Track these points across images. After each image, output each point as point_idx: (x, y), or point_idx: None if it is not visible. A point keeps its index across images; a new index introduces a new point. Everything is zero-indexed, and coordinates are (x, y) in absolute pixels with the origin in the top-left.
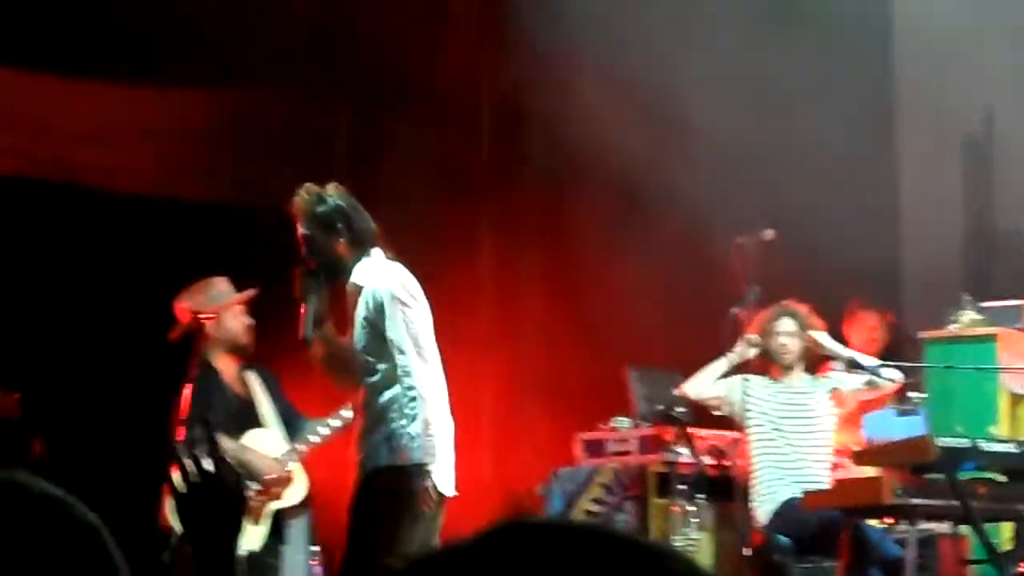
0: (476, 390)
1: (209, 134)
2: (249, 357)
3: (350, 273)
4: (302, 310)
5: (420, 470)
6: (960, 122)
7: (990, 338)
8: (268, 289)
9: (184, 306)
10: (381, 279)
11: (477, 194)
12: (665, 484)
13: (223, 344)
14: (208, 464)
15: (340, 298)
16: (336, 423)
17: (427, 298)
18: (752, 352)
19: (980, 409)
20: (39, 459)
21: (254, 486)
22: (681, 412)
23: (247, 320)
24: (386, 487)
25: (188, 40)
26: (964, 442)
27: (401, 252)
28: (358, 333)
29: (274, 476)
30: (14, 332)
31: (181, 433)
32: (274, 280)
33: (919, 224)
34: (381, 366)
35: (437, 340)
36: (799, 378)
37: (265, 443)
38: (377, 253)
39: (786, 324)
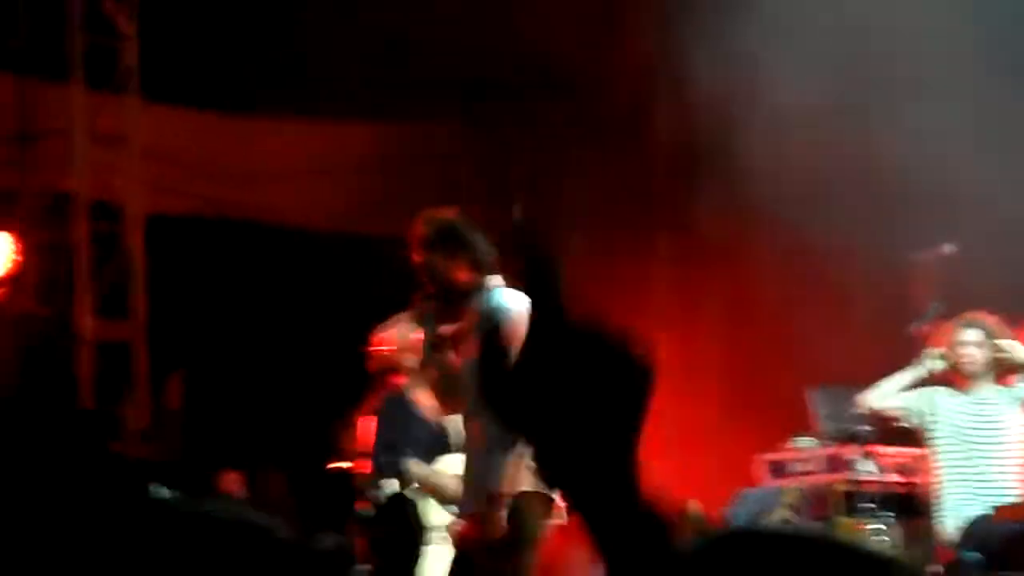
0: (657, 415)
1: (383, 168)
2: None
3: (470, 299)
4: (420, 335)
5: (544, 496)
6: None
7: None
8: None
9: (383, 338)
10: (507, 305)
11: (653, 223)
12: (851, 503)
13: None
14: (392, 492)
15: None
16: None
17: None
18: (937, 364)
19: None
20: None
21: (452, 509)
22: (864, 430)
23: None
24: (525, 511)
25: (357, 75)
26: None
27: (579, 279)
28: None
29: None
30: (201, 369)
31: (365, 467)
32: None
33: None
34: None
35: None
36: (987, 389)
37: (454, 466)
38: (498, 280)
39: (970, 334)
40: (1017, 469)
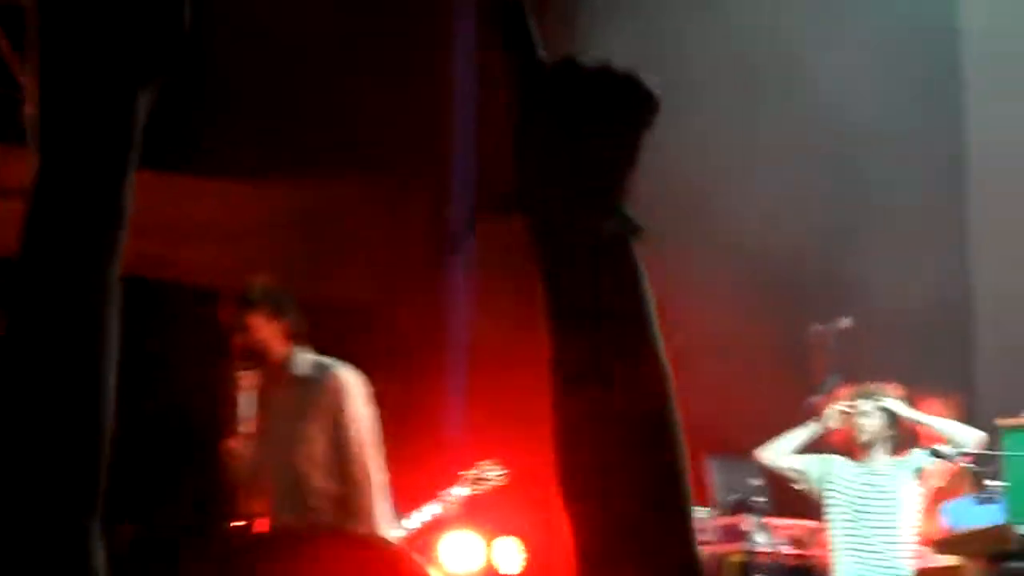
0: (548, 474)
1: (307, 226)
2: None
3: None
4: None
5: None
6: None
7: None
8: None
9: None
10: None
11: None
12: (744, 573)
13: None
14: None
15: None
16: (432, 512)
17: None
18: (832, 423)
19: None
20: None
21: None
22: (760, 501)
23: None
24: None
25: (281, 135)
26: None
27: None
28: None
29: None
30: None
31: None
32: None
33: (995, 309)
34: None
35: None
36: (881, 460)
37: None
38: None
39: (866, 404)
40: (910, 543)
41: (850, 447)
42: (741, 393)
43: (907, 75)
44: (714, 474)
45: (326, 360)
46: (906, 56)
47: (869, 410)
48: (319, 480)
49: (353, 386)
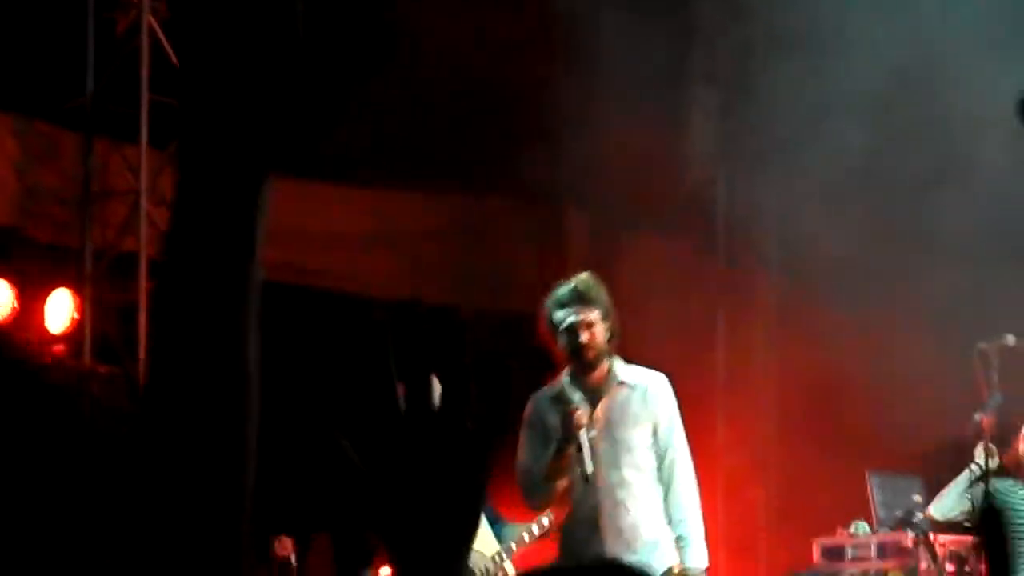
0: (710, 490)
1: (446, 236)
2: None
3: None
4: (580, 439)
5: None
6: None
7: None
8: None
9: None
10: (654, 379)
11: (714, 297)
12: None
13: None
14: None
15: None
16: (538, 529)
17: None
18: (993, 463)
19: None
20: None
21: None
22: (921, 518)
23: None
24: None
25: (423, 144)
26: None
27: (648, 359)
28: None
29: (490, 572)
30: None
31: None
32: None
33: None
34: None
35: None
36: None
37: (479, 542)
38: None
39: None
40: None
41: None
42: (905, 409)
43: None
44: (875, 491)
45: (639, 367)
46: None
47: None
48: (644, 488)
49: (671, 394)
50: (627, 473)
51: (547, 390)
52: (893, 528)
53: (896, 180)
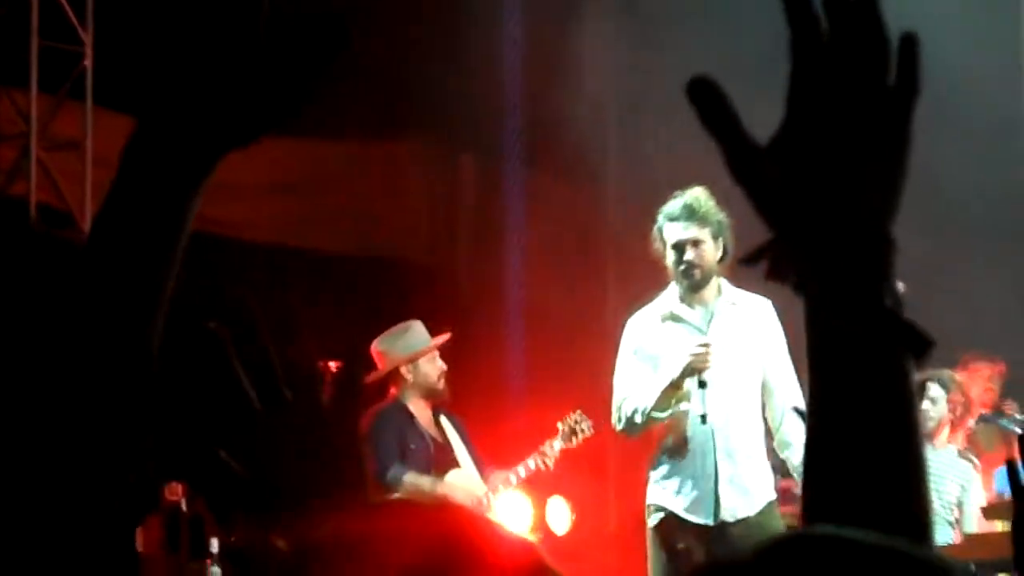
0: (599, 438)
1: (337, 184)
2: (443, 401)
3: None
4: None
5: None
6: None
7: None
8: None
9: (380, 350)
10: (760, 303)
11: (607, 241)
12: None
13: (419, 389)
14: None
15: None
16: (524, 471)
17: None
18: None
19: None
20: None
21: None
22: None
23: (441, 365)
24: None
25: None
26: None
27: (537, 307)
28: (742, 357)
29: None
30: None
31: (370, 469)
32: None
33: None
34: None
35: (574, 388)
36: (944, 449)
37: (467, 482)
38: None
39: (932, 390)
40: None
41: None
42: None
43: None
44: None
45: (742, 290)
46: None
47: (935, 396)
48: (753, 421)
49: (776, 319)
50: (738, 404)
51: (649, 308)
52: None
53: None
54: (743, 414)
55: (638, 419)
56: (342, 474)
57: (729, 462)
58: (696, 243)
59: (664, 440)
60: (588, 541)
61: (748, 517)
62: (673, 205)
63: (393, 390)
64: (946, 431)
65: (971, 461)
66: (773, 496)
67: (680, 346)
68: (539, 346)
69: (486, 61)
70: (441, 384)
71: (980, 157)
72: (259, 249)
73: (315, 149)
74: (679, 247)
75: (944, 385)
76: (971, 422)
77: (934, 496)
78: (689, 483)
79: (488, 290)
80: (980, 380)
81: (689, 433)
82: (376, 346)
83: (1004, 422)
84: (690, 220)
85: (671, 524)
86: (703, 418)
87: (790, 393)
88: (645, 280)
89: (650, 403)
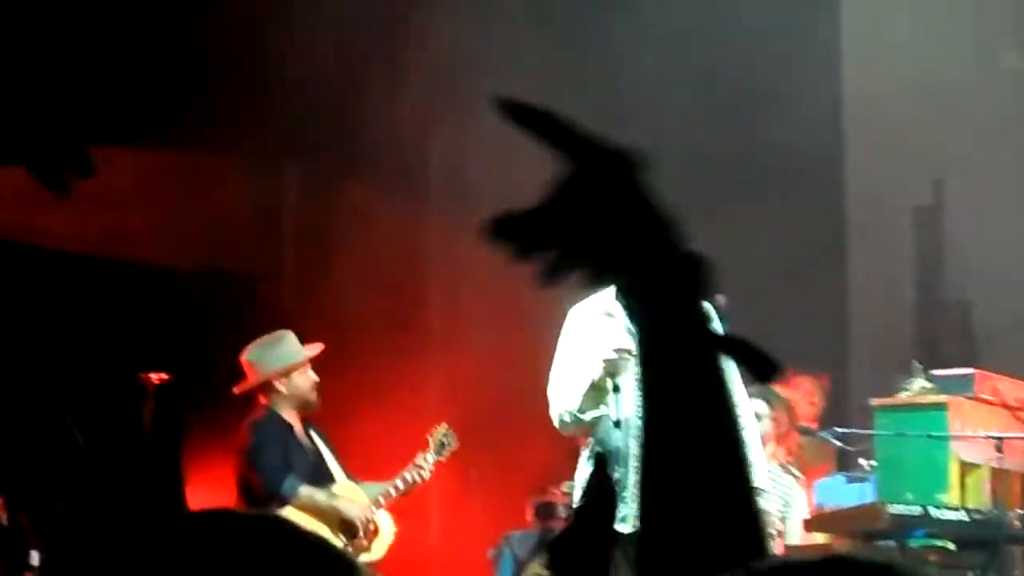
0: (423, 448)
1: (164, 195)
2: (313, 413)
3: None
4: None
5: None
6: (910, 195)
7: (941, 406)
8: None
9: (250, 361)
10: None
11: (430, 251)
12: None
13: (292, 401)
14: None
15: None
16: (410, 478)
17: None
18: None
19: (930, 477)
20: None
21: (342, 538)
22: None
23: (313, 376)
24: None
25: (135, 102)
26: (915, 510)
27: (360, 316)
28: None
29: (368, 523)
30: None
31: (258, 482)
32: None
33: (869, 293)
34: None
35: (378, 404)
36: (768, 464)
37: (350, 494)
38: None
39: (756, 405)
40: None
41: None
42: None
43: None
44: None
45: None
46: None
47: (763, 412)
48: None
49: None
50: None
51: (591, 300)
52: None
53: (621, 128)
54: None
55: (568, 419)
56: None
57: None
58: None
59: (587, 446)
60: (411, 558)
61: None
62: None
63: (263, 400)
64: (771, 446)
65: (794, 476)
66: None
67: (608, 344)
68: (359, 358)
69: (310, 72)
70: (314, 396)
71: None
72: (84, 261)
73: (141, 160)
74: None
75: (768, 401)
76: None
77: None
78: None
79: (312, 302)
80: (802, 394)
81: (606, 438)
82: (246, 356)
83: (825, 435)
84: None
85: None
86: (617, 423)
87: None
88: (466, 291)
89: (575, 404)
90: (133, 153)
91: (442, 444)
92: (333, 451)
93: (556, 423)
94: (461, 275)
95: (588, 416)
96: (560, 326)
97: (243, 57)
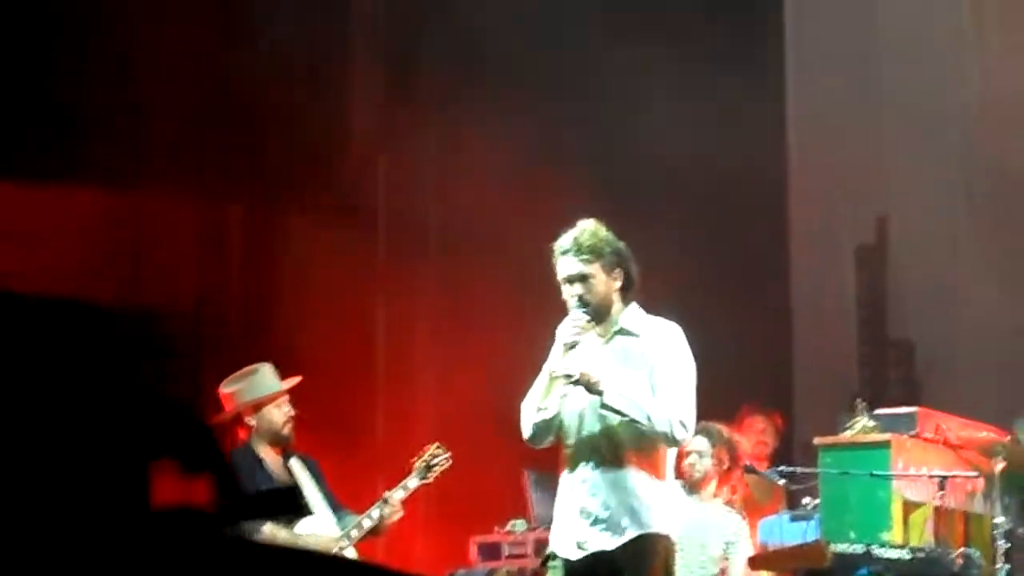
0: (370, 488)
1: (107, 234)
2: (290, 446)
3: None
4: (568, 352)
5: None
6: (855, 233)
7: (884, 444)
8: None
9: (226, 393)
10: (660, 327)
11: (375, 287)
12: None
13: (265, 435)
14: None
15: None
16: (376, 515)
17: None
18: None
19: (873, 515)
20: None
21: None
22: None
23: (289, 411)
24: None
25: (78, 139)
26: (858, 548)
27: (306, 349)
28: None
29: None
30: None
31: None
32: (168, 380)
33: (812, 331)
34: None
35: (331, 433)
36: (710, 502)
37: (319, 528)
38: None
39: (698, 443)
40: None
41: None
42: None
43: None
44: (532, 488)
45: (652, 317)
46: None
47: (701, 449)
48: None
49: (675, 341)
50: (615, 425)
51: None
52: (550, 525)
53: (563, 159)
54: (620, 431)
55: (524, 419)
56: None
57: (600, 494)
58: (584, 278)
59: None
60: None
61: (605, 551)
62: (563, 240)
63: (242, 434)
64: (713, 484)
65: (738, 514)
66: (649, 530)
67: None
68: (307, 391)
69: (247, 110)
70: (287, 430)
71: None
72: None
73: (76, 197)
74: (568, 282)
75: (710, 438)
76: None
77: (699, 549)
78: (560, 515)
79: (258, 336)
80: (754, 433)
81: (565, 443)
82: (223, 388)
83: (768, 473)
84: (578, 255)
85: (552, 566)
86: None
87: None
88: (413, 323)
89: (528, 427)
90: (69, 190)
91: (428, 466)
92: (320, 483)
93: (524, 434)
94: (408, 307)
95: (538, 438)
96: (508, 360)
97: (186, 87)
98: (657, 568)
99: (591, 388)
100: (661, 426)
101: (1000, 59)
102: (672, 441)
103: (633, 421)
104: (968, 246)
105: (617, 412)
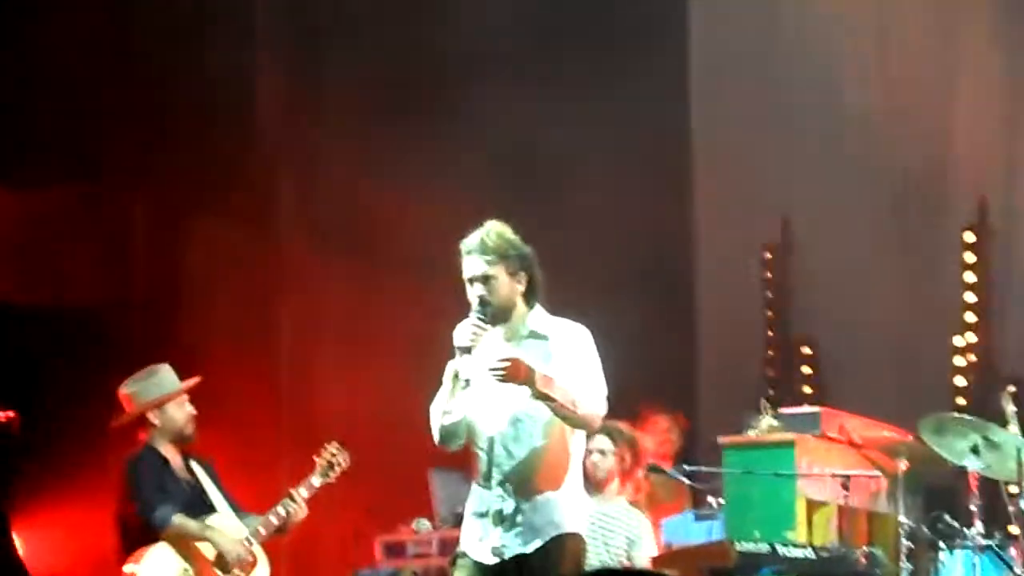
0: (273, 490)
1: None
2: (191, 446)
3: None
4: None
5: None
6: (759, 234)
7: (788, 444)
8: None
9: (126, 394)
10: (566, 328)
11: (276, 284)
12: None
13: (167, 434)
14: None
15: None
16: (284, 512)
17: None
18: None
19: (778, 514)
20: None
21: (216, 571)
22: None
23: (191, 410)
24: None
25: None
26: (762, 547)
27: (210, 347)
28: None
29: (242, 557)
30: None
31: (132, 514)
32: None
33: (717, 331)
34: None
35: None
36: (614, 500)
37: (225, 526)
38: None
39: (600, 441)
40: None
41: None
42: None
43: None
44: (437, 487)
45: (559, 319)
46: None
47: (604, 448)
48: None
49: (581, 341)
50: (521, 425)
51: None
52: (455, 524)
53: (466, 159)
54: (527, 430)
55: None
56: None
57: (513, 498)
58: (487, 279)
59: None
60: None
61: (522, 555)
62: (470, 239)
63: (142, 435)
64: (616, 483)
65: (641, 512)
66: (563, 531)
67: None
68: (209, 389)
69: (151, 110)
70: (189, 429)
71: None
72: None
73: None
74: (471, 282)
75: (612, 437)
76: (640, 473)
77: (602, 547)
78: (472, 518)
79: (162, 334)
80: (657, 432)
81: (473, 444)
82: (123, 389)
83: (672, 472)
84: (482, 255)
85: (461, 565)
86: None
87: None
88: (317, 321)
89: (436, 431)
90: None
91: (330, 465)
92: (218, 484)
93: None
94: (312, 305)
95: (448, 441)
96: (412, 359)
97: (88, 84)
98: (571, 568)
99: (525, 379)
100: (589, 406)
101: (900, 64)
102: (596, 421)
103: (561, 408)
104: (870, 247)
105: (549, 399)
